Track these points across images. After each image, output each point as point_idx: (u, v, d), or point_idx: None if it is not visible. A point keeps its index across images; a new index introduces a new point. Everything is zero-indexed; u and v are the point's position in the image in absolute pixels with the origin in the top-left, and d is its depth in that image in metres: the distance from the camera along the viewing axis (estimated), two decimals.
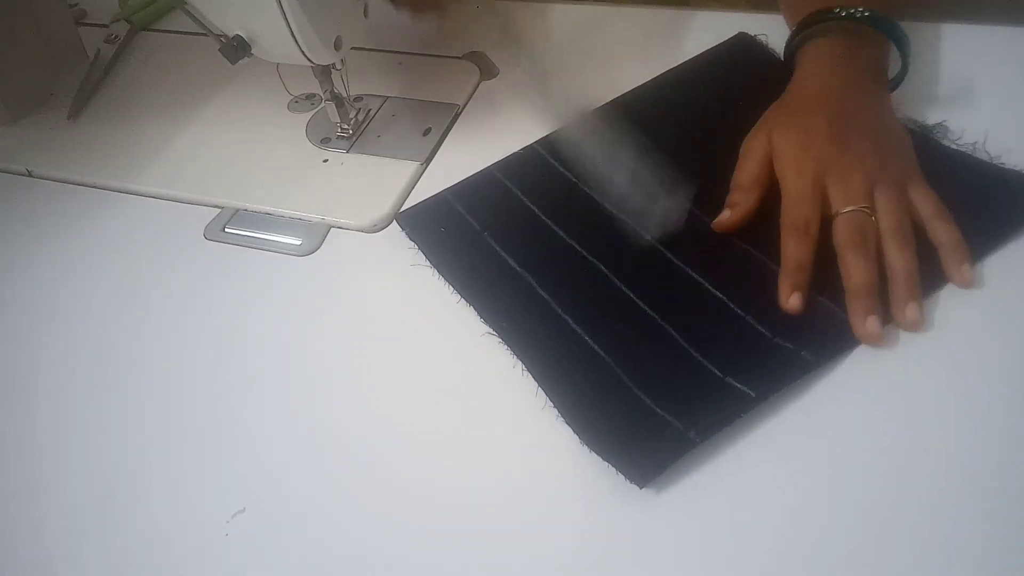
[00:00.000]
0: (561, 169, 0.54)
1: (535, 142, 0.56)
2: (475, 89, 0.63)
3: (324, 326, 0.48)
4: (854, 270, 0.43)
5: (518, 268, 0.48)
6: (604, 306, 0.45)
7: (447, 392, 0.44)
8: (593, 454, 0.39)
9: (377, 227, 0.54)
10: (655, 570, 0.36)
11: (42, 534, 0.41)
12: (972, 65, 0.55)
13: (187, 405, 0.46)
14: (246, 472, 0.42)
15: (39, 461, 0.44)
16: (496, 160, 0.55)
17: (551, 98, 0.57)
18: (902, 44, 0.50)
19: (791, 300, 0.43)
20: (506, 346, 0.45)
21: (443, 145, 0.59)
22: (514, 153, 0.56)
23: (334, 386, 0.45)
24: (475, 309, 0.47)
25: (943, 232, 0.44)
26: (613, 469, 0.39)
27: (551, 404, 0.42)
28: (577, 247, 0.49)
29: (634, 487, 0.38)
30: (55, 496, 0.43)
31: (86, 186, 0.61)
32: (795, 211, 0.45)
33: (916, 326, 0.41)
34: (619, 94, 0.58)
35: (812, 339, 0.42)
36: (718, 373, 0.41)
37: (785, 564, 0.35)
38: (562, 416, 0.41)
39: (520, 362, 0.44)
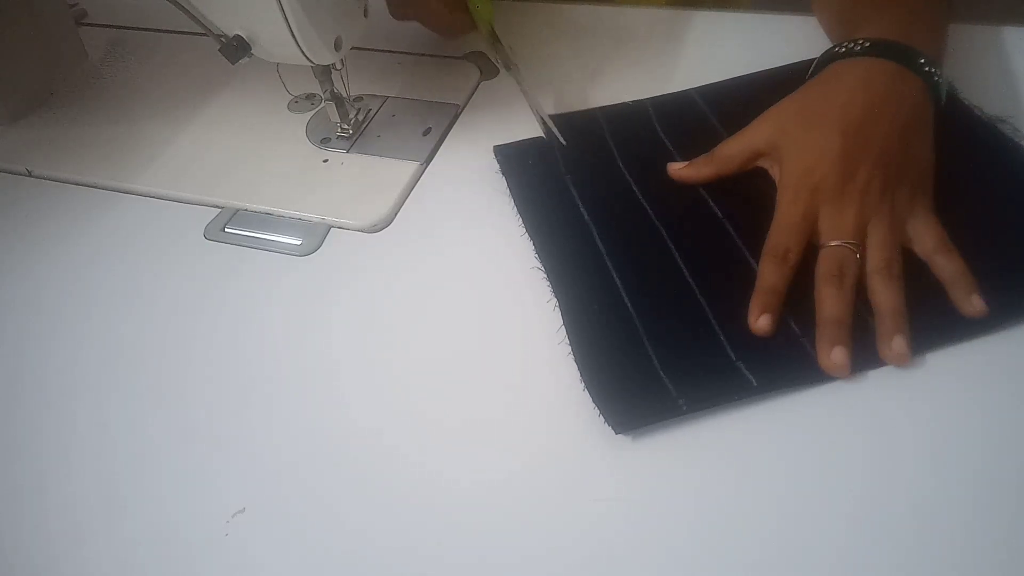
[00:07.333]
0: (660, 133, 0.55)
1: (646, 98, 0.58)
2: (475, 89, 0.63)
3: (324, 326, 0.48)
4: (825, 302, 0.43)
5: (586, 216, 0.50)
6: (651, 268, 0.47)
7: (452, 380, 0.44)
8: (587, 395, 0.41)
9: (377, 227, 0.54)
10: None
11: (43, 533, 0.41)
12: None
13: (187, 405, 0.46)
14: (246, 472, 0.42)
15: (39, 461, 0.44)
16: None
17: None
18: (928, 78, 0.48)
19: (760, 321, 0.43)
20: (548, 282, 0.47)
21: (443, 145, 0.59)
22: (623, 103, 0.58)
23: (334, 386, 0.45)
24: (533, 244, 0.50)
25: (945, 266, 0.43)
26: (599, 414, 0.40)
27: (567, 341, 0.44)
28: (648, 208, 0.50)
29: (611, 433, 0.40)
30: (55, 496, 0.43)
31: (86, 186, 0.61)
32: (778, 238, 0.45)
33: (902, 359, 0.41)
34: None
35: None
36: (731, 355, 0.42)
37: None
38: (573, 354, 0.43)
39: (555, 298, 0.46)
